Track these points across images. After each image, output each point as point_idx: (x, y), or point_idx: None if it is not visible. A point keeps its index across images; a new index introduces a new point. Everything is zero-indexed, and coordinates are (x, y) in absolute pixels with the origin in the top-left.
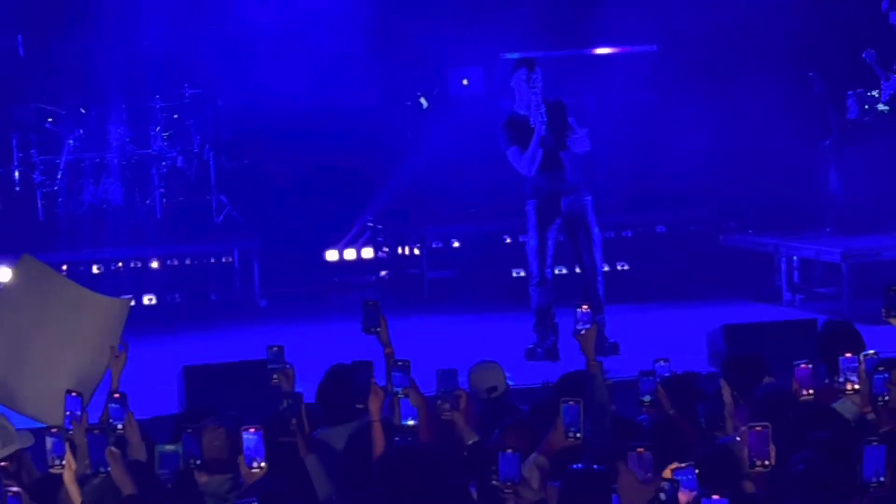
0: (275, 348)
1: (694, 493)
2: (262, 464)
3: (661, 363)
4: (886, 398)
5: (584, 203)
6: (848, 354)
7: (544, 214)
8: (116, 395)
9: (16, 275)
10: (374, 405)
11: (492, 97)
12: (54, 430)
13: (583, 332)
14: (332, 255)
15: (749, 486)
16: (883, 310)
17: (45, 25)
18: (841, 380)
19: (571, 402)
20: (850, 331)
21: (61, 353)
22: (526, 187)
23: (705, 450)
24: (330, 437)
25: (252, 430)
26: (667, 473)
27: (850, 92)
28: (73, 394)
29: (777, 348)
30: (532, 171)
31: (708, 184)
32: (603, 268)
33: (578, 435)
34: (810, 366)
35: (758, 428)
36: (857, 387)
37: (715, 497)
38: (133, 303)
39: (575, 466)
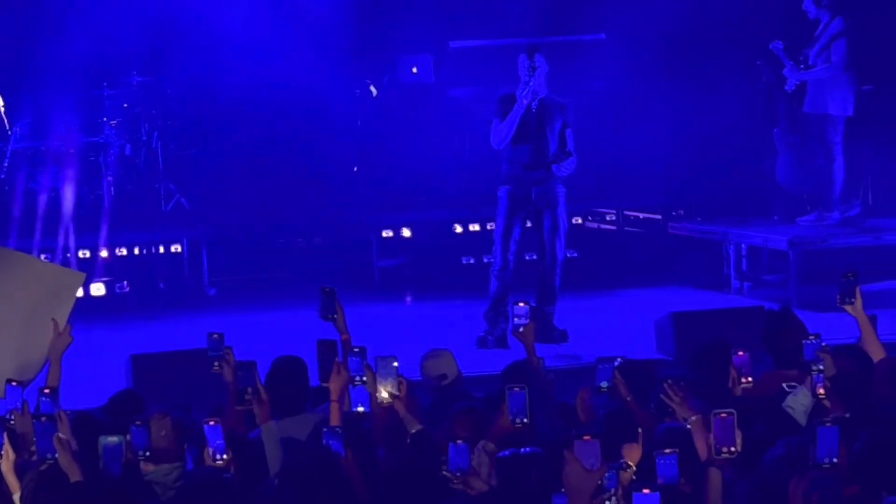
0: (215, 335)
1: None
2: (225, 456)
3: (619, 360)
4: (820, 368)
5: (557, 192)
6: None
7: (515, 201)
8: (47, 391)
9: None
10: (336, 385)
11: (441, 85)
12: None
13: (521, 329)
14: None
15: (715, 474)
16: (837, 296)
17: None
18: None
19: (517, 389)
20: (794, 319)
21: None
22: (501, 173)
23: (662, 432)
24: (277, 430)
25: (212, 422)
26: (630, 458)
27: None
28: (14, 384)
29: (725, 335)
30: (501, 144)
31: (656, 172)
32: (563, 259)
33: (525, 420)
34: (747, 353)
35: (723, 415)
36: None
37: (645, 491)
38: (84, 277)
39: (506, 452)
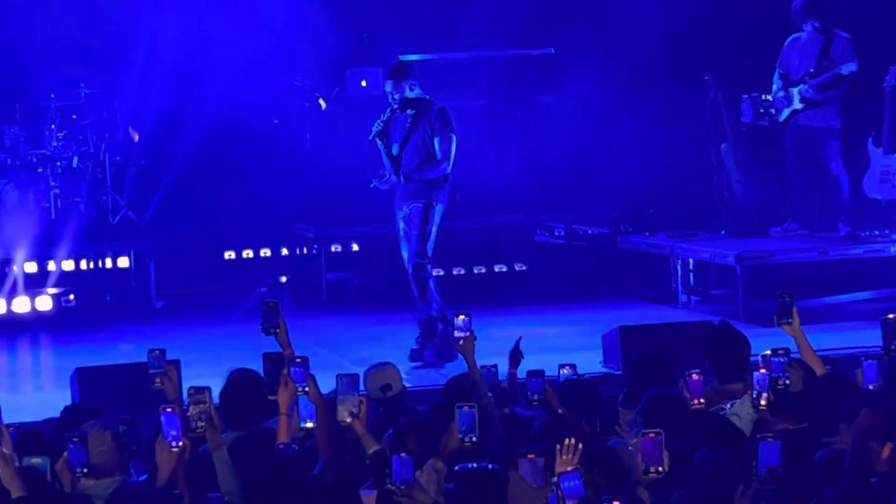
0: (155, 352)
1: (579, 500)
2: (181, 443)
3: (565, 371)
4: (787, 382)
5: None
6: (762, 370)
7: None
8: None
9: None
10: (284, 398)
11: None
12: None
13: (461, 341)
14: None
15: (644, 493)
16: (774, 316)
17: None
18: (754, 394)
19: (466, 408)
20: (734, 332)
21: None
22: (445, 188)
23: (594, 450)
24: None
25: (169, 409)
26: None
27: (744, 95)
28: None
29: (672, 349)
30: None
31: (605, 185)
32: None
33: (474, 439)
34: (702, 376)
35: (651, 434)
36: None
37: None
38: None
39: (461, 467)
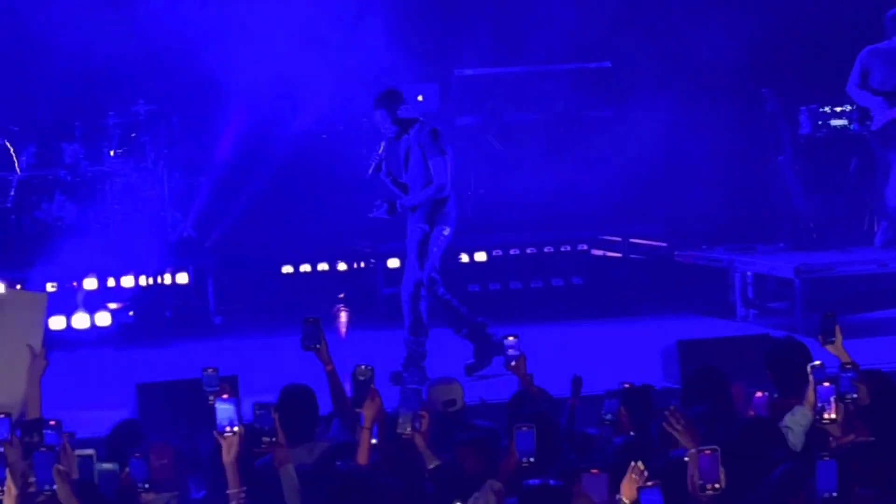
0: (209, 370)
1: None
2: (236, 428)
3: (627, 386)
4: (854, 396)
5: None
6: (826, 384)
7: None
8: (52, 423)
9: None
10: (369, 411)
11: (446, 114)
12: None
13: (513, 362)
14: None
15: None
16: (819, 336)
17: None
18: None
19: (524, 428)
20: (798, 345)
21: None
22: (446, 213)
23: (660, 463)
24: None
25: (226, 396)
26: (630, 488)
27: (802, 108)
28: (1, 415)
29: (730, 363)
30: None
31: (663, 199)
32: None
33: (532, 460)
34: (766, 394)
35: (707, 451)
36: (833, 416)
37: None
38: (47, 297)
39: (530, 482)
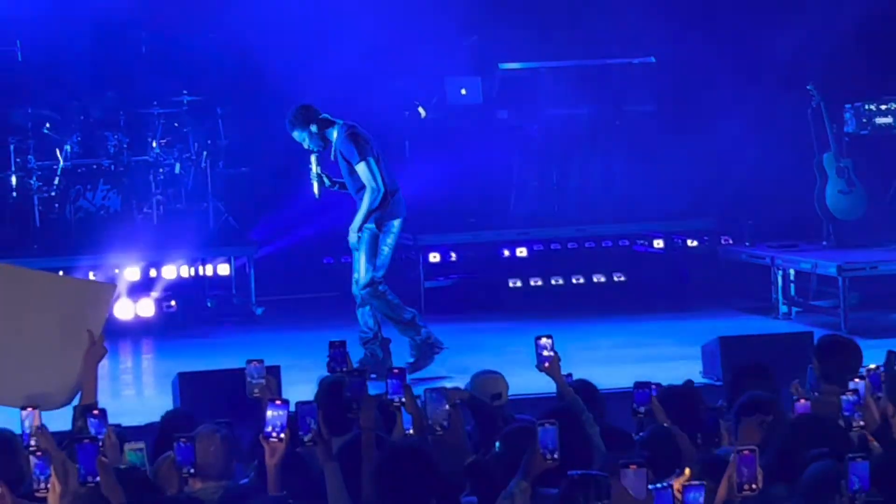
0: (254, 362)
1: None
2: (283, 435)
3: (654, 386)
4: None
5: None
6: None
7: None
8: (96, 412)
9: None
10: (365, 414)
11: (489, 107)
12: (38, 452)
13: (546, 364)
14: None
15: None
16: (883, 371)
17: (43, 30)
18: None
19: (547, 424)
20: (850, 342)
21: (32, 338)
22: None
23: (702, 460)
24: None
25: (279, 402)
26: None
27: (847, 105)
28: (29, 409)
29: (773, 360)
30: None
31: (705, 195)
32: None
33: (556, 456)
34: (809, 402)
35: (745, 451)
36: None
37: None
38: (115, 289)
39: (573, 473)
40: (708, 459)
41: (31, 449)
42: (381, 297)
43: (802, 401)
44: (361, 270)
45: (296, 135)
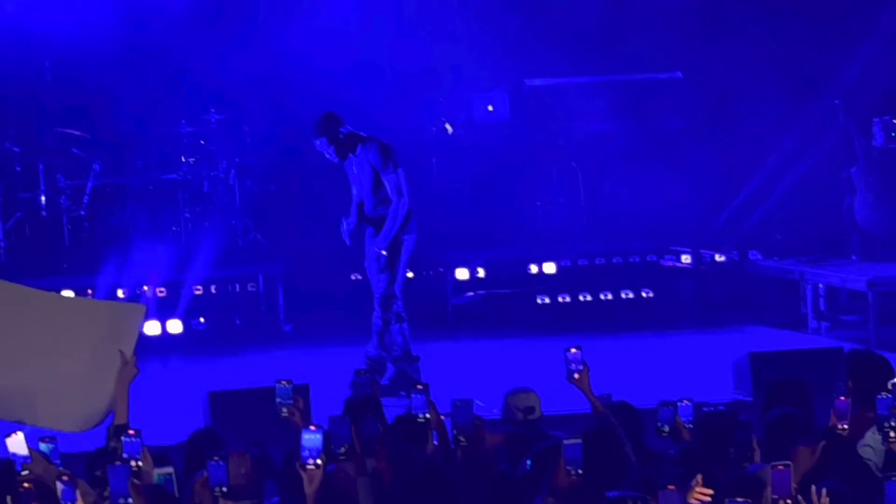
0: (284, 383)
1: None
2: (318, 461)
3: (685, 402)
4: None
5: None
6: (884, 394)
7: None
8: (131, 432)
9: None
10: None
11: (516, 123)
12: (65, 477)
13: (576, 374)
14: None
15: None
16: None
17: (71, 50)
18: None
19: (572, 441)
20: (881, 360)
21: (64, 362)
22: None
23: (735, 477)
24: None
25: (313, 427)
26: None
27: (875, 119)
28: (13, 435)
29: (803, 376)
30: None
31: (733, 210)
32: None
33: (580, 472)
34: (849, 399)
35: (780, 466)
36: None
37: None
38: (145, 310)
39: (611, 494)
40: (739, 475)
41: (23, 475)
42: (388, 322)
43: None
44: (384, 284)
45: (319, 143)
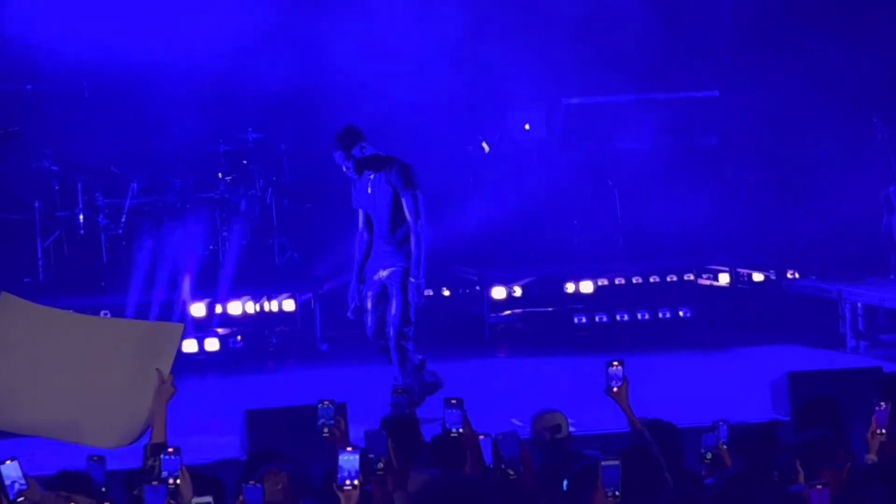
0: (326, 403)
1: None
2: (356, 482)
3: (722, 423)
4: None
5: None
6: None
7: None
8: (171, 450)
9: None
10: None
11: (553, 141)
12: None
13: (615, 389)
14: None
15: None
16: None
17: (109, 69)
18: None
19: (610, 462)
20: None
21: (103, 380)
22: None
23: (777, 497)
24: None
25: (349, 448)
26: None
27: None
28: (8, 461)
29: (842, 396)
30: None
31: (770, 228)
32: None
33: (617, 493)
34: (888, 406)
35: (818, 486)
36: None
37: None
38: (182, 328)
39: None
40: (783, 497)
41: (19, 502)
42: (406, 350)
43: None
44: (398, 313)
45: (337, 156)
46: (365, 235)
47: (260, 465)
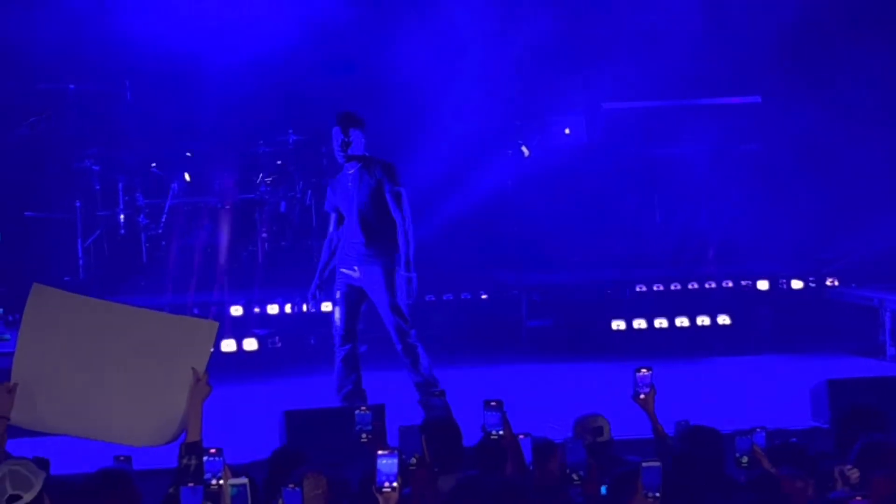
0: (363, 409)
1: None
2: (395, 484)
3: (759, 430)
4: None
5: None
6: None
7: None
8: (213, 451)
9: (40, 306)
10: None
11: (593, 146)
12: None
13: (642, 395)
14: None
15: None
16: None
17: (151, 69)
18: None
19: (651, 464)
20: None
21: (135, 375)
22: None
23: None
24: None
25: (387, 451)
26: None
27: None
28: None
29: (882, 404)
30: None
31: (811, 235)
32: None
33: (657, 495)
34: None
35: (859, 498)
36: None
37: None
38: (217, 326)
39: None
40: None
41: None
42: (414, 348)
43: None
44: (395, 312)
45: (353, 134)
46: (335, 238)
47: (282, 467)
